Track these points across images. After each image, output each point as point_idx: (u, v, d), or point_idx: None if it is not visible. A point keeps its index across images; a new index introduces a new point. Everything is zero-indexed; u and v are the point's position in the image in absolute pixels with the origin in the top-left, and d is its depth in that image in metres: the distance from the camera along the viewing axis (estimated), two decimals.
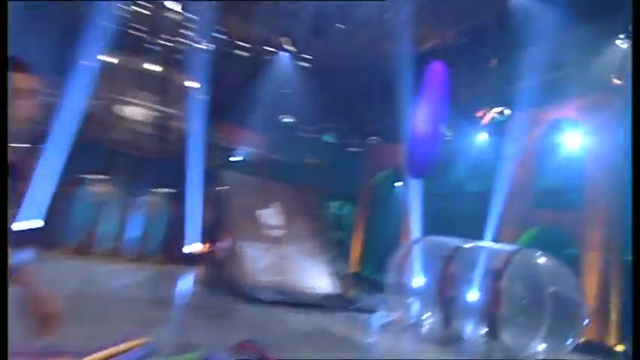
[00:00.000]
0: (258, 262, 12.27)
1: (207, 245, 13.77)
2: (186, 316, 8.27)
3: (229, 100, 15.30)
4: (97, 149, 12.73)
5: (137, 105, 13.36)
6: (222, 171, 14.73)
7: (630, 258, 3.88)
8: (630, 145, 2.70)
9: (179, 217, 13.62)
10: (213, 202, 13.65)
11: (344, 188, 18.06)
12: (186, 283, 12.32)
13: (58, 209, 12.08)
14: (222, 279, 11.65)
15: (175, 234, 13.64)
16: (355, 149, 19.21)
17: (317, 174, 16.77)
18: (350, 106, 17.33)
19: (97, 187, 12.53)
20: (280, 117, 18.12)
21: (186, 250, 13.50)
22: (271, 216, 14.20)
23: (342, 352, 7.20)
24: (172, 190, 13.30)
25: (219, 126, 15.79)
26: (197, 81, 14.26)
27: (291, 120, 18.45)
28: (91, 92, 13.17)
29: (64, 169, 13.14)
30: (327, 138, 20.08)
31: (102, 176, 12.40)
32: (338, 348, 7.49)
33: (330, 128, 19.47)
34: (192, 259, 12.83)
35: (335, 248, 14.44)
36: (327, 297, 11.91)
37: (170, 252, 13.58)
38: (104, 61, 13.51)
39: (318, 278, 12.77)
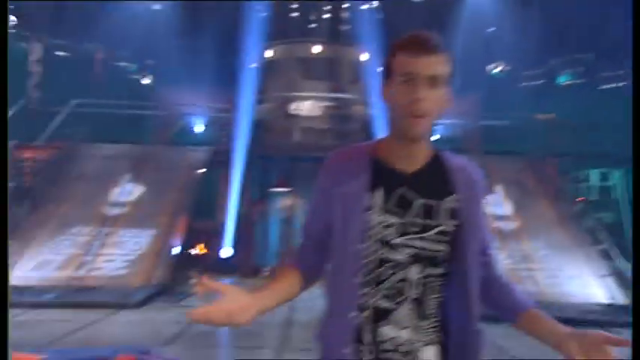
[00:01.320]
0: None
1: None
2: None
3: None
4: (276, 159, 11.32)
5: (309, 98, 11.52)
6: None
7: None
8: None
9: None
10: None
11: (606, 148, 12.64)
12: None
13: (248, 232, 11.07)
14: None
15: None
16: (613, 85, 13.58)
17: (556, 134, 12.18)
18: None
19: (283, 201, 11.15)
20: (488, 68, 14.05)
21: None
22: (496, 204, 10.54)
23: None
24: None
25: None
26: (368, 51, 11.60)
27: (502, 68, 14.15)
28: (258, 96, 11.98)
29: (247, 187, 12.25)
30: (564, 80, 14.99)
31: (285, 188, 10.95)
32: None
33: (564, 66, 14.35)
34: None
35: (604, 237, 9.85)
36: (602, 309, 7.84)
37: None
38: (265, 58, 12.12)
39: (582, 283, 8.66)
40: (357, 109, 11.88)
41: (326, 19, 12.62)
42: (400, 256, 1.19)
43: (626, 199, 12.22)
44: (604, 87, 14.27)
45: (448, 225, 1.21)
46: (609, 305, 8.10)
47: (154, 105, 14.35)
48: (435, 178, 1.24)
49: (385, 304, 1.19)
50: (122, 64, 15.52)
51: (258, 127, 11.95)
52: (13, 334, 5.23)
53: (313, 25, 12.54)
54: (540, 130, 12.51)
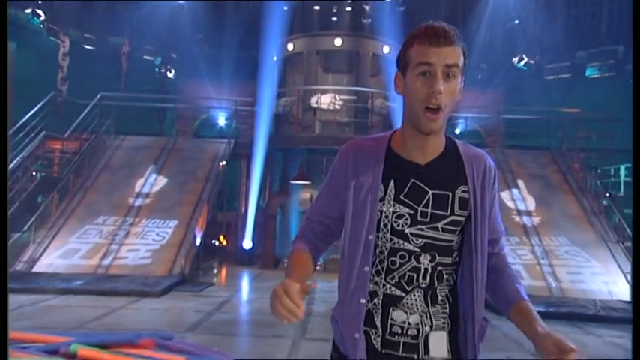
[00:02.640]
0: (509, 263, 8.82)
1: None
2: None
3: None
4: (297, 151, 11.37)
5: (329, 91, 11.50)
6: None
7: None
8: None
9: None
10: None
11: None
12: None
13: (268, 224, 11.17)
14: None
15: None
16: None
17: (581, 129, 11.92)
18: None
19: (303, 193, 11.19)
20: (512, 60, 13.76)
21: None
22: (518, 198, 10.39)
23: None
24: None
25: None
26: (389, 44, 11.51)
27: (527, 61, 13.83)
28: (279, 89, 12.02)
29: (268, 179, 12.33)
30: (591, 72, 14.62)
31: (305, 181, 10.99)
32: None
33: (592, 58, 13.97)
34: None
35: (630, 233, 9.61)
36: (626, 307, 7.66)
37: None
38: (286, 52, 12.13)
39: (606, 280, 8.49)
40: (378, 102, 11.82)
41: (347, 12, 12.53)
42: (411, 245, 1.22)
43: None
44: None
45: (459, 215, 1.24)
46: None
47: (177, 98, 14.58)
48: (448, 170, 1.27)
49: (396, 291, 1.23)
50: (147, 57, 15.75)
51: (279, 120, 12.01)
52: (43, 318, 5.44)
53: (335, 19, 12.48)
54: (566, 124, 12.24)
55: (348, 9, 12.53)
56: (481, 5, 13.49)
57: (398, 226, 1.23)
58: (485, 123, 13.86)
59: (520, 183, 10.79)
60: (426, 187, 1.24)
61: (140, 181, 10.52)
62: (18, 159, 9.97)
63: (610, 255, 9.02)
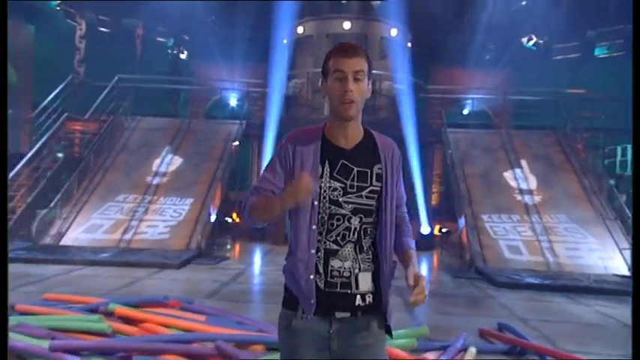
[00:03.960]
0: (508, 239, 9.26)
1: (439, 225, 11.33)
2: (429, 302, 6.57)
3: (442, 38, 12.23)
4: None
5: None
6: (447, 131, 11.90)
7: None
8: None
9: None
10: (440, 172, 11.03)
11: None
12: (423, 268, 10.24)
13: None
14: (462, 262, 9.20)
15: None
16: None
17: (586, 109, 12.09)
18: None
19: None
20: (521, 40, 13.83)
21: (417, 233, 11.38)
22: (520, 178, 10.72)
23: None
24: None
25: (437, 74, 12.91)
26: (397, 27, 11.70)
27: (535, 41, 13.91)
28: (290, 72, 12.32)
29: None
30: (600, 52, 14.65)
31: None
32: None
33: (601, 38, 13.99)
34: (425, 243, 10.61)
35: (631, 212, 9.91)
36: (620, 280, 8.04)
37: None
38: (296, 34, 12.39)
39: (602, 256, 8.85)
40: (386, 84, 12.10)
41: None
42: (344, 210, 1.64)
43: None
44: None
45: (376, 186, 1.67)
46: (628, 277, 8.29)
47: (190, 80, 14.94)
48: (366, 152, 1.69)
49: (333, 246, 1.64)
50: (160, 39, 16.07)
51: (290, 102, 12.35)
52: (76, 285, 5.98)
53: (344, 1, 12.66)
54: (572, 104, 12.41)
55: None
56: None
57: (333, 196, 1.63)
58: (493, 104, 14.06)
59: (523, 162, 11.09)
60: (351, 165, 1.66)
61: (157, 161, 11.00)
62: (43, 139, 10.48)
63: (607, 232, 9.35)
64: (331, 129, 1.70)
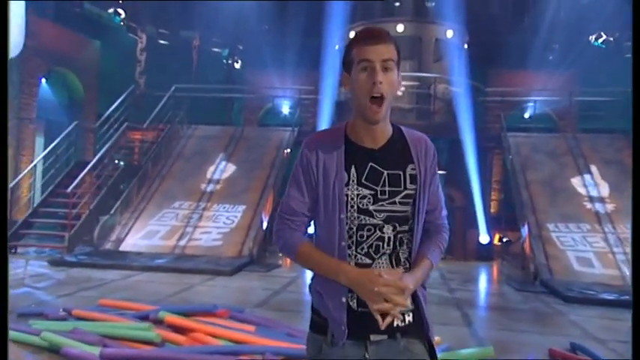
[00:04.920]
0: (578, 250, 8.64)
1: (498, 234, 10.74)
2: (490, 316, 6.38)
3: (502, 38, 11.68)
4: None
5: None
6: (506, 135, 11.31)
7: None
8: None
9: (460, 204, 11.07)
10: (500, 178, 10.48)
11: None
12: (482, 280, 9.75)
13: None
14: (525, 273, 8.68)
15: (458, 225, 11.15)
16: None
17: None
18: None
19: None
20: (589, 38, 12.98)
21: (475, 243, 10.87)
22: (590, 184, 9.98)
23: None
24: (446, 172, 10.85)
25: (496, 76, 12.34)
26: (453, 28, 11.31)
27: (605, 38, 13.00)
28: (340, 79, 12.18)
29: None
30: None
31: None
32: None
33: None
34: (483, 253, 10.12)
35: None
36: None
37: (455, 247, 11.19)
38: (347, 40, 12.25)
39: None
40: (441, 87, 11.70)
41: None
42: (375, 220, 1.43)
43: None
44: None
45: (410, 189, 1.45)
46: None
47: (243, 88, 15.17)
48: (397, 152, 1.47)
49: (366, 260, 1.43)
50: (215, 49, 16.46)
51: (341, 108, 12.21)
52: (132, 291, 6.09)
53: (397, 4, 12.41)
54: None
55: None
56: None
57: (362, 205, 1.42)
58: (556, 106, 13.28)
59: (593, 168, 10.34)
60: (381, 169, 1.44)
61: (211, 168, 11.18)
62: (105, 148, 10.92)
63: None
64: (354, 128, 1.48)
